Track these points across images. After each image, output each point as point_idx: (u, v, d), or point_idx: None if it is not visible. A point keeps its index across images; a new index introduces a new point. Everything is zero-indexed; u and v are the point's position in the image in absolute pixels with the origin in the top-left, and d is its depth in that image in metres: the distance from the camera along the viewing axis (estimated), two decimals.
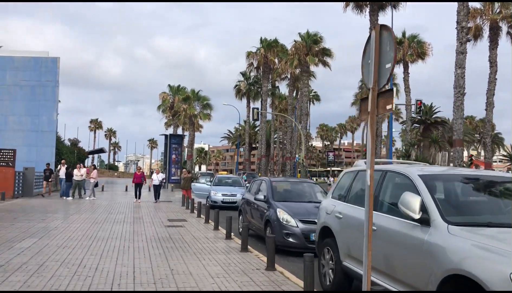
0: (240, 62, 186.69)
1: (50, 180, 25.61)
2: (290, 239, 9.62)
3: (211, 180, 24.20)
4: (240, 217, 13.02)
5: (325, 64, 43.62)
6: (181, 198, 22.32)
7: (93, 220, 14.29)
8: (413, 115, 47.92)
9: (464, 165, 55.48)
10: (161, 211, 18.00)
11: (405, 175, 5.45)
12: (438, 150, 73.57)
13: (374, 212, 5.70)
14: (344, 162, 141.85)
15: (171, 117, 57.36)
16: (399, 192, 5.49)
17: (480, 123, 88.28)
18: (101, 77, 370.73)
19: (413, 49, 43.62)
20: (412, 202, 4.65)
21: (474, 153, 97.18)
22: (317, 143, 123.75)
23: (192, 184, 22.85)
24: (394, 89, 46.70)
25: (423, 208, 4.72)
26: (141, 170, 23.85)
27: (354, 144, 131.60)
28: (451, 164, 22.63)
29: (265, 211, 10.67)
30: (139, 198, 22.06)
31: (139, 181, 22.47)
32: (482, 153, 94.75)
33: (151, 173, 71.66)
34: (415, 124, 55.23)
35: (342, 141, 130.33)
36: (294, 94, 54.53)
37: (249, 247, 9.60)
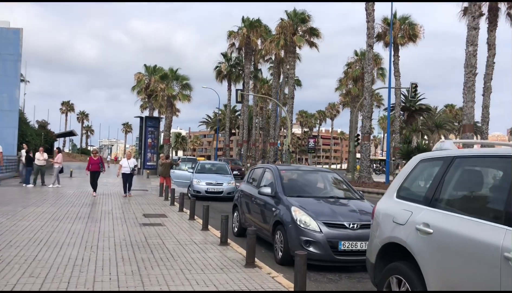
0: (219, 48, 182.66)
1: None
2: (311, 249, 7.12)
3: (194, 166, 21.48)
4: (235, 214, 10.45)
5: (312, 44, 41.02)
6: (158, 187, 19.61)
7: (50, 215, 11.51)
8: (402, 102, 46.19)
9: None
10: (135, 203, 15.27)
11: None
12: (420, 137, 72.48)
13: (505, 227, 3.23)
14: (321, 149, 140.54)
15: (146, 99, 54.11)
16: None
17: (460, 111, 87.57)
18: (75, 59, 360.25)
19: (405, 31, 41.42)
20: None
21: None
22: (296, 130, 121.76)
23: (171, 170, 20.13)
24: (376, 73, 43.91)
25: None
26: (97, 154, 18.42)
27: (333, 131, 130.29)
28: None
29: (273, 209, 8.13)
30: (95, 190, 17.43)
31: (95, 168, 17.55)
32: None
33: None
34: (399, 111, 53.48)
35: (320, 129, 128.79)
36: (273, 80, 51.91)
37: (256, 260, 7.05)
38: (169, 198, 15.85)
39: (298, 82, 68.94)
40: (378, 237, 4.86)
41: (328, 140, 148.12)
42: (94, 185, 17.43)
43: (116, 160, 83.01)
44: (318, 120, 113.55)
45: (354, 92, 56.66)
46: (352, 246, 7.11)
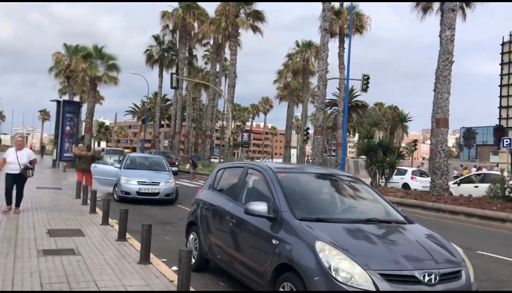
0: (147, 35, 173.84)
1: None
2: None
3: (121, 160, 17.35)
4: (191, 236, 6.84)
5: (256, 29, 37.75)
6: (75, 185, 15.36)
7: None
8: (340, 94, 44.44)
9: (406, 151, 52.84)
10: (40, 210, 11.14)
11: None
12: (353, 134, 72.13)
13: None
14: (252, 143, 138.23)
15: (66, 83, 48.22)
16: None
17: (389, 110, 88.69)
18: None
19: (352, 21, 39.34)
20: None
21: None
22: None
23: (93, 165, 15.98)
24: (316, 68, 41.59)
25: None
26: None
27: (265, 126, 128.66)
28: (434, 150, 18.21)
29: (273, 240, 4.69)
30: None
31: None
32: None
33: (42, 148, 60.86)
34: (334, 108, 51.97)
35: (253, 123, 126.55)
36: (210, 66, 48.12)
37: None
38: (89, 202, 11.88)
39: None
40: None
41: (259, 135, 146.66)
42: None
43: (30, 149, 75.05)
44: (251, 115, 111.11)
45: (293, 85, 54.35)
46: None
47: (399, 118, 35.56)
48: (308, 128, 27.76)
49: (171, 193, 14.89)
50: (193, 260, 6.65)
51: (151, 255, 6.68)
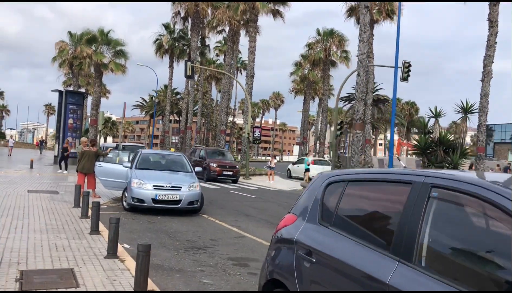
0: (152, 30, 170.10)
1: None
2: None
3: (134, 158, 13.99)
4: None
5: (277, 14, 34.44)
6: (75, 190, 12.09)
7: None
8: (401, 80, 41.11)
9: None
10: (24, 227, 7.94)
11: None
12: (373, 130, 68.65)
13: None
14: (260, 140, 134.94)
15: (71, 74, 45.14)
16: None
17: (406, 106, 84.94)
18: None
19: (382, 6, 35.93)
20: None
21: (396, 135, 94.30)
22: (239, 120, 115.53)
23: (97, 164, 12.79)
24: (340, 56, 37.70)
25: None
26: None
27: (275, 121, 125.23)
28: None
29: None
30: None
31: None
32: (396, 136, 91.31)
33: (41, 142, 58.13)
34: (352, 102, 48.57)
35: (263, 119, 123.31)
36: (225, 56, 44.89)
37: None
38: (90, 215, 8.66)
39: (244, 66, 62.35)
40: None
41: (267, 132, 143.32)
42: None
43: (37, 145, 72.81)
44: (262, 110, 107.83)
45: (312, 77, 51.02)
46: None
47: (463, 109, 31.48)
48: (342, 122, 24.42)
49: (195, 200, 11.65)
50: None
51: None
